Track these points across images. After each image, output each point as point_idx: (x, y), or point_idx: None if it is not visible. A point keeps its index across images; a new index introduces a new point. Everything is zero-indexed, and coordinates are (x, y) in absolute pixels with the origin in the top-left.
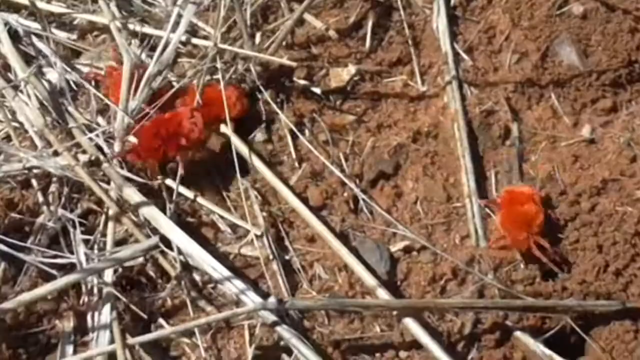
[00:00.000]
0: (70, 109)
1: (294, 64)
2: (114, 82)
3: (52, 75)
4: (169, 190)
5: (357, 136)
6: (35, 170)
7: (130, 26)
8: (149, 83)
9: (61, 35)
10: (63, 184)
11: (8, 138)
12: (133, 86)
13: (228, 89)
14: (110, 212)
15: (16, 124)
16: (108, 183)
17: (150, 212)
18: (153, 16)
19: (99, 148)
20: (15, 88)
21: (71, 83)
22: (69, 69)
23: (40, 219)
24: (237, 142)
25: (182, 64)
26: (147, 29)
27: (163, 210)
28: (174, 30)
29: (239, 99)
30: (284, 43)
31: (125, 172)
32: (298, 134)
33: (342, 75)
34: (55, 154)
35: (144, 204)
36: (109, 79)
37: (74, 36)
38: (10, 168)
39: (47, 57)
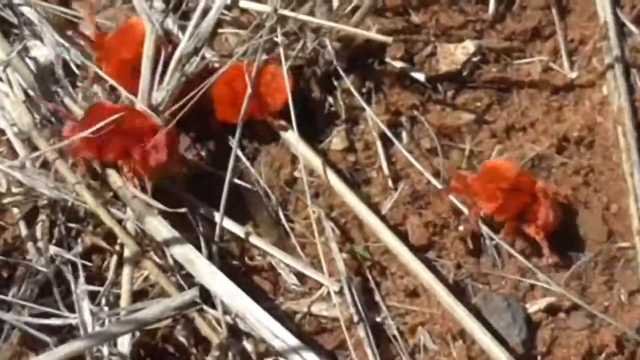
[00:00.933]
0: (67, 100)
1: (388, 38)
2: (107, 52)
3: (40, 51)
4: (208, 221)
5: (476, 143)
6: (16, 190)
7: None
8: (180, 65)
9: None
10: (56, 209)
11: None
12: (158, 70)
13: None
14: (126, 252)
15: None
16: (123, 210)
17: (184, 253)
18: None
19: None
20: None
21: (70, 63)
22: (64, 43)
23: (25, 261)
24: (304, 151)
25: (225, 36)
26: None
27: (201, 249)
28: None
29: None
30: (372, 9)
31: (146, 197)
32: (393, 138)
33: (456, 54)
34: (46, 165)
35: (175, 240)
36: (100, 51)
37: None
38: None
39: (34, 27)
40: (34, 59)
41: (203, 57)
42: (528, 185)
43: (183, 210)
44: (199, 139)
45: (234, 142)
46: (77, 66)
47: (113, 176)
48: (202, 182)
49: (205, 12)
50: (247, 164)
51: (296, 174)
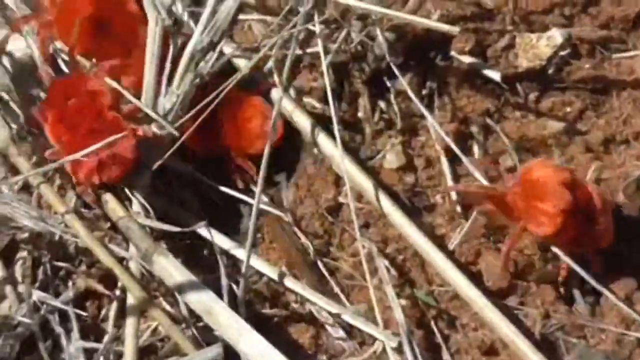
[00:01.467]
0: None
1: (453, 29)
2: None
3: (17, 44)
4: (232, 260)
5: (566, 159)
6: None
7: None
8: (194, 64)
9: None
10: (40, 244)
11: None
12: (166, 69)
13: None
14: (129, 299)
15: None
16: (124, 245)
17: (201, 300)
18: None
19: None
20: None
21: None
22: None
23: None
24: (350, 170)
25: (248, 24)
26: None
27: (222, 295)
28: None
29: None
30: None
31: (155, 223)
32: (460, 154)
33: (539, 47)
34: (27, 188)
35: (190, 284)
36: (53, 9)
37: None
38: None
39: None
40: (9, 54)
41: (221, 53)
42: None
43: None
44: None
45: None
46: (65, 62)
47: (111, 202)
48: (220, 209)
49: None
50: (281, 184)
51: (340, 199)
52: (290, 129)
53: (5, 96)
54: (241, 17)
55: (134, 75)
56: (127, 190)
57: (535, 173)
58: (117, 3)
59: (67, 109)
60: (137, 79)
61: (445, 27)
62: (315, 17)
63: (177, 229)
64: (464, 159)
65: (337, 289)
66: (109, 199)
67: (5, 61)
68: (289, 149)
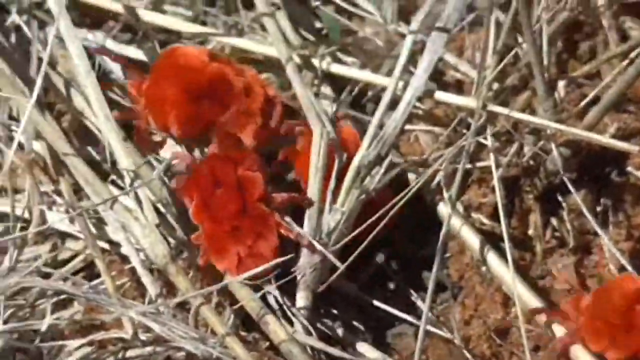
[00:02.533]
0: None
1: (634, 147)
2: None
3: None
4: None
5: None
6: (144, 336)
7: (317, 62)
8: (359, 179)
9: None
10: None
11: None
12: (331, 183)
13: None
14: None
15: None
16: None
17: None
18: (360, 46)
19: None
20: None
21: None
22: None
23: None
24: (521, 291)
25: (415, 134)
26: (352, 71)
27: None
28: (406, 77)
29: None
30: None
31: (319, 344)
32: (634, 274)
33: None
34: (183, 305)
35: None
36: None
37: None
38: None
39: None
40: (162, 161)
41: (389, 167)
42: None
43: None
44: None
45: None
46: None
47: (272, 324)
48: (384, 329)
49: (393, 104)
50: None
51: (510, 319)
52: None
53: (163, 209)
54: (407, 127)
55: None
56: (288, 310)
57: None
58: (212, 81)
59: (213, 196)
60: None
61: (624, 146)
62: (488, 130)
63: (341, 353)
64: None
65: None
66: (270, 320)
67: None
68: (456, 263)
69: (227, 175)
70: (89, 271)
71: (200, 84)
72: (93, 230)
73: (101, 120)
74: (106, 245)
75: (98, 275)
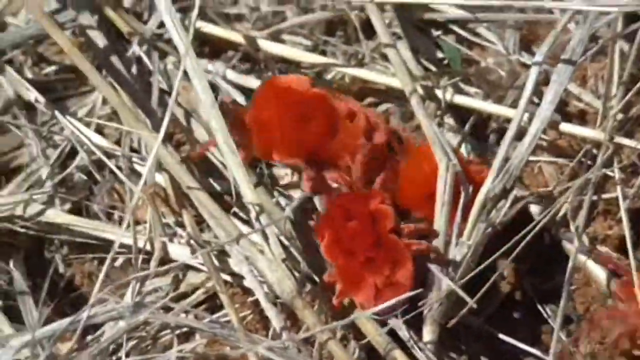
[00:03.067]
0: None
1: None
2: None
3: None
4: None
5: None
6: None
7: (440, 93)
8: (485, 212)
9: None
10: None
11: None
12: (457, 216)
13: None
14: None
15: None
16: None
17: None
18: (483, 76)
19: None
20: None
21: None
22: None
23: None
24: None
25: (539, 165)
26: (476, 102)
27: None
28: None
29: None
30: None
31: None
32: None
33: None
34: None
35: None
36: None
37: None
38: None
39: None
40: (287, 197)
41: (514, 200)
42: None
43: None
44: None
45: None
46: None
47: (400, 358)
48: None
49: (518, 136)
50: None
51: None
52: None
53: (286, 242)
54: (531, 157)
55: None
56: (415, 344)
57: None
58: (315, 105)
59: (345, 230)
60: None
61: None
62: (615, 163)
63: None
64: None
65: None
66: (397, 354)
67: (284, 203)
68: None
69: (360, 210)
70: (211, 303)
71: (303, 108)
72: (216, 262)
73: (225, 152)
74: (228, 278)
75: (220, 307)
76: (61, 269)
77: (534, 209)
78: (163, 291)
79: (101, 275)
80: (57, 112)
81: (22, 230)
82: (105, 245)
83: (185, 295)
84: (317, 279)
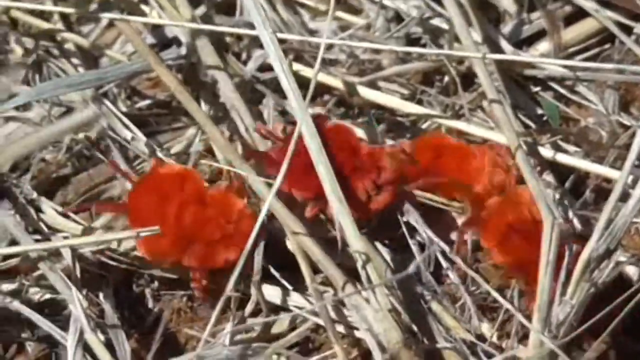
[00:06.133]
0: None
1: None
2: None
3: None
4: None
5: None
6: None
7: (542, 150)
8: (589, 272)
9: None
10: None
11: None
12: (561, 276)
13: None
14: None
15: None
16: None
17: None
18: (583, 135)
19: None
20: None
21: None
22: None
23: None
24: None
25: (635, 227)
26: (580, 162)
27: None
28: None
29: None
30: None
31: None
32: None
33: None
34: None
35: None
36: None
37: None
38: None
39: None
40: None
41: (617, 262)
42: None
43: None
44: None
45: None
46: (447, 258)
47: None
48: None
49: (621, 198)
50: None
51: None
52: None
53: (387, 291)
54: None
55: None
56: None
57: None
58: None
59: None
60: None
61: None
62: None
63: None
64: None
65: None
66: None
67: (387, 256)
68: None
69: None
70: (304, 346)
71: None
72: (333, 315)
73: (334, 201)
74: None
75: (312, 351)
76: (150, 304)
77: (631, 270)
78: (255, 332)
79: (212, 320)
80: (154, 147)
81: (114, 263)
82: None
83: (277, 337)
84: (416, 329)
